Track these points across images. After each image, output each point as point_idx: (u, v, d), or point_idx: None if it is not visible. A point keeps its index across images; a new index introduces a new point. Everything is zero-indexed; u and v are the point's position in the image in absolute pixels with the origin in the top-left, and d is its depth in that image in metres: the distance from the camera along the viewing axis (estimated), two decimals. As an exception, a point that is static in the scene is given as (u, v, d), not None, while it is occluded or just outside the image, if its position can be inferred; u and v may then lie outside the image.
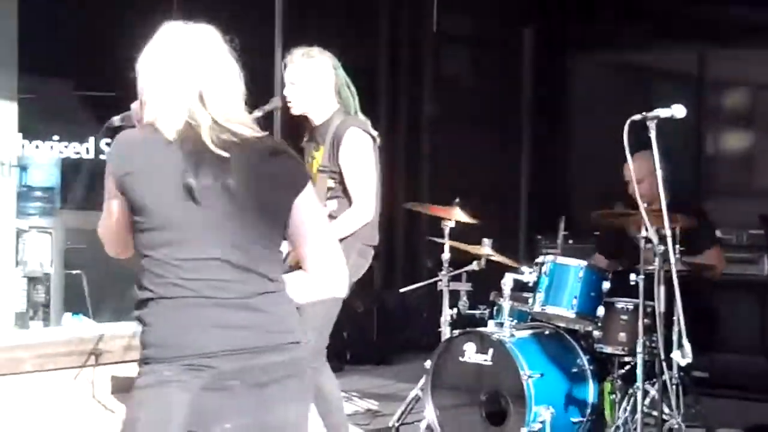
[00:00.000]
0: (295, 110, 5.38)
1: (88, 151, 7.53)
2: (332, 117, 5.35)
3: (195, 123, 2.97)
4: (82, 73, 7.90)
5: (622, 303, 5.76)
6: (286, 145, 3.12)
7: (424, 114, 9.19)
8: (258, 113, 5.41)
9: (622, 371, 5.79)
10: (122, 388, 6.89)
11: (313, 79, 5.32)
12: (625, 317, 5.75)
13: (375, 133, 5.35)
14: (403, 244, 8.83)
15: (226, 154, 2.94)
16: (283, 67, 5.39)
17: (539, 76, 9.19)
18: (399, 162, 9.10)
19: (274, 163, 3.03)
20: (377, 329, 8.43)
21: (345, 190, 5.27)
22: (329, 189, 5.23)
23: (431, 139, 9.18)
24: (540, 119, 9.16)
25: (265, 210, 3.02)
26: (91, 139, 7.54)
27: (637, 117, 4.72)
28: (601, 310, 5.72)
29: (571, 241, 7.24)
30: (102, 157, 7.57)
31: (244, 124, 3.02)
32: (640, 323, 5.43)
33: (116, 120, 4.84)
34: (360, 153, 5.29)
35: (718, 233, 6.58)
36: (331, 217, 5.16)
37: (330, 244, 3.15)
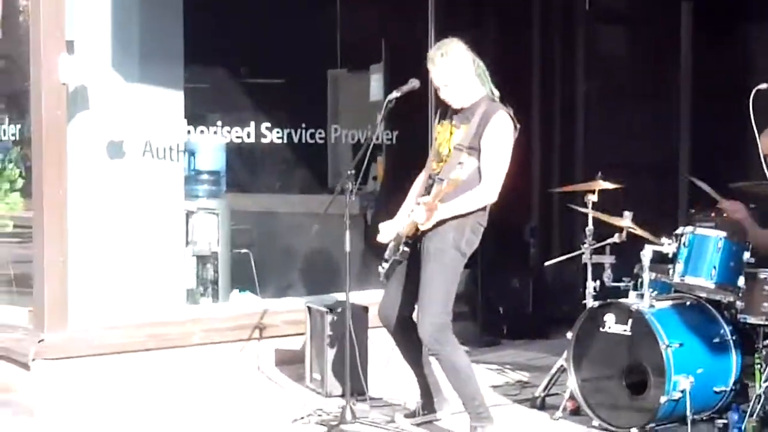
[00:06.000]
0: (457, 105, 5.58)
1: (249, 136, 7.88)
2: (480, 101, 5.55)
3: None
4: (243, 63, 8.27)
5: (764, 273, 5.72)
6: None
7: (578, 92, 9.24)
8: (396, 93, 5.72)
9: (768, 341, 5.80)
10: (285, 360, 7.24)
11: (460, 74, 5.52)
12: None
13: (517, 125, 5.54)
14: (559, 220, 8.91)
15: None
16: (429, 70, 5.56)
17: (697, 51, 9.09)
18: (554, 140, 9.19)
19: None
20: (533, 303, 8.56)
21: (478, 168, 5.45)
22: (460, 164, 5.41)
23: (586, 117, 9.20)
24: (699, 94, 9.07)
25: None
26: (252, 124, 7.89)
27: (763, 86, 4.73)
28: (741, 281, 5.72)
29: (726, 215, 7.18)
30: (263, 140, 7.93)
31: None
32: (781, 293, 5.43)
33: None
34: (503, 136, 5.49)
35: None
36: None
37: None
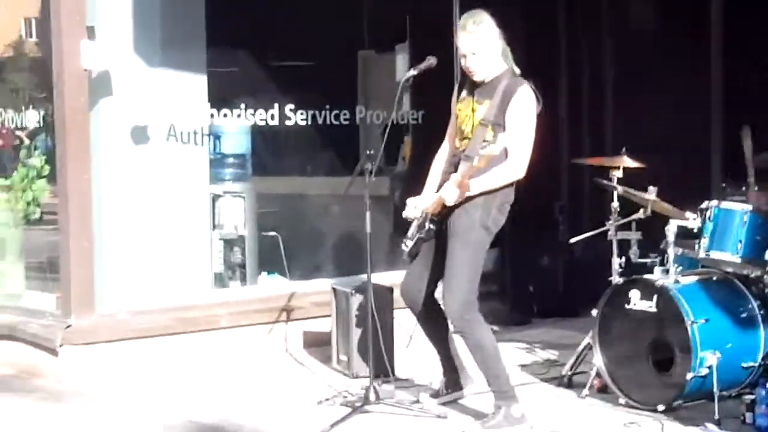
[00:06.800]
0: (479, 76, 5.52)
1: (273, 118, 7.86)
2: (501, 75, 5.50)
3: None
4: (266, 45, 8.25)
5: (792, 247, 5.65)
6: None
7: (606, 67, 9.14)
8: (413, 71, 5.68)
9: (796, 316, 5.71)
10: (313, 342, 7.24)
11: (489, 43, 5.48)
12: (795, 262, 5.65)
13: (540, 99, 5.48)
14: (589, 197, 8.82)
15: None
16: (458, 36, 5.52)
17: (729, 23, 8.93)
18: (582, 116, 9.11)
19: None
20: (564, 282, 8.49)
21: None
22: (485, 141, 5.37)
23: (614, 93, 9.11)
24: (731, 67, 8.92)
25: None
26: (276, 106, 7.87)
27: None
28: (768, 255, 5.64)
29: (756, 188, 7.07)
30: (288, 123, 7.91)
31: None
32: (809, 267, 5.34)
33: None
34: (527, 111, 5.44)
35: None
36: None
37: None
